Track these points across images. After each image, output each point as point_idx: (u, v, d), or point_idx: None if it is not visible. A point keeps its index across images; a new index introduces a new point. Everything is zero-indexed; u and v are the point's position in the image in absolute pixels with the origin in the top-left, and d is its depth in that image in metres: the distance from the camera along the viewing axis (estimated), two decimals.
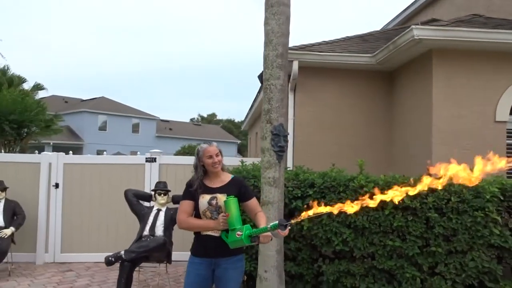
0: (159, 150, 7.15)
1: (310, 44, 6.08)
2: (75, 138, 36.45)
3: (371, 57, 5.72)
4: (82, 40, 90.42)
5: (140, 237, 4.84)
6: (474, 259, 3.48)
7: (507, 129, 5.08)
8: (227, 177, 2.95)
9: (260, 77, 4.37)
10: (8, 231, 5.72)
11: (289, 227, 2.52)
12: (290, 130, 6.15)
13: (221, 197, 2.82)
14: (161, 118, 44.59)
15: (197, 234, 2.89)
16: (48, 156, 6.80)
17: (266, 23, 4.17)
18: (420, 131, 5.18)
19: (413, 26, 4.59)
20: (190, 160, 6.94)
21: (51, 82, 75.32)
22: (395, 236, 3.76)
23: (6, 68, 23.41)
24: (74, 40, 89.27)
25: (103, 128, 38.43)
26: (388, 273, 3.84)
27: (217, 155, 2.86)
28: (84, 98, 42.46)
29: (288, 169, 5.31)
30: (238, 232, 2.60)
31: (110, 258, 4.31)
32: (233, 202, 2.69)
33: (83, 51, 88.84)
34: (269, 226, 2.51)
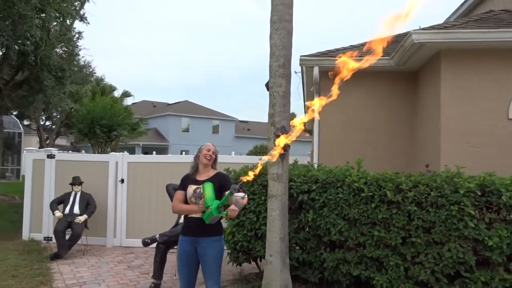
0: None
1: (334, 49, 6.45)
2: (161, 139, 39.62)
3: (389, 59, 5.93)
4: (170, 45, 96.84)
5: (176, 224, 5.69)
6: (450, 250, 3.67)
7: None
8: (213, 173, 3.62)
9: (267, 85, 4.92)
10: (82, 218, 6.98)
11: (247, 197, 3.12)
12: (315, 130, 6.61)
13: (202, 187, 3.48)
14: (240, 119, 46.42)
15: (185, 217, 3.59)
16: (115, 156, 8.02)
17: (270, 38, 4.72)
18: (432, 129, 5.30)
19: (412, 31, 4.79)
20: (236, 159, 7.74)
21: (142, 88, 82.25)
22: (381, 227, 4.08)
23: (100, 78, 26.56)
24: (164, 46, 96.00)
25: (186, 129, 41.16)
26: (377, 261, 4.17)
27: (213, 152, 3.58)
28: (170, 102, 45.89)
29: (314, 164, 5.80)
30: (210, 207, 3.23)
31: (146, 240, 5.21)
32: (207, 186, 3.35)
33: (171, 55, 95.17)
34: (227, 193, 3.10)
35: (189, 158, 7.81)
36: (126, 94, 24.59)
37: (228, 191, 3.09)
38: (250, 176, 3.03)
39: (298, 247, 4.92)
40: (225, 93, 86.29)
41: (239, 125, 45.73)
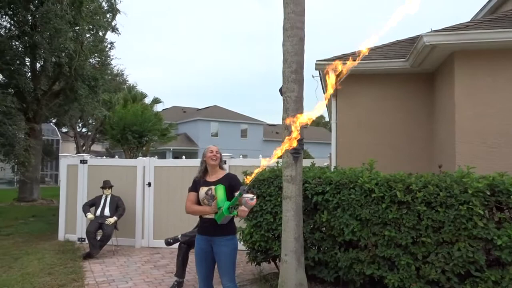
0: (228, 154, 8.24)
1: (349, 53, 6.53)
2: (191, 144, 40.40)
3: (404, 61, 5.97)
4: (198, 52, 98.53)
5: (197, 224, 5.93)
6: (460, 249, 3.71)
7: None
8: (222, 174, 3.83)
9: (281, 90, 5.09)
10: (112, 220, 7.36)
11: (256, 199, 3.32)
12: (333, 133, 6.71)
13: (214, 189, 3.69)
14: (268, 122, 46.63)
15: (200, 218, 3.81)
16: (142, 160, 8.39)
17: (283, 45, 4.89)
18: (449, 130, 5.30)
19: (423, 34, 4.83)
20: (257, 162, 7.95)
21: (173, 94, 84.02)
22: (392, 227, 4.15)
23: (131, 85, 27.48)
24: (191, 54, 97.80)
25: (215, 134, 41.75)
26: (390, 261, 4.25)
27: (217, 152, 3.80)
28: (199, 107, 46.71)
29: (333, 167, 5.93)
30: (221, 208, 3.43)
31: (169, 240, 5.48)
32: (219, 188, 3.55)
33: (198, 62, 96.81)
34: (236, 194, 3.28)
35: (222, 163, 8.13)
36: (156, 101, 25.35)
37: (238, 193, 3.28)
38: (251, 177, 3.24)
39: (314, 247, 5.04)
40: (253, 97, 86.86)
41: (267, 129, 45.94)
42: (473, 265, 3.71)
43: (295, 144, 3.62)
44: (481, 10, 11.95)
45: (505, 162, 4.74)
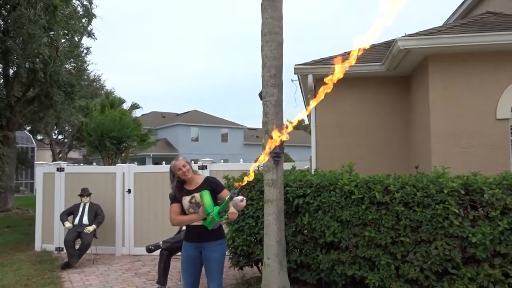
0: (209, 159, 8.23)
1: (327, 57, 6.64)
2: (171, 149, 40.05)
3: (381, 65, 6.11)
4: (177, 57, 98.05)
5: (179, 230, 5.90)
6: (437, 248, 3.81)
7: (511, 126, 5.12)
8: (200, 179, 3.81)
9: (260, 94, 5.13)
10: (91, 228, 7.23)
11: (245, 200, 3.34)
12: (312, 136, 6.79)
13: (198, 196, 3.67)
14: (249, 126, 46.71)
15: (187, 226, 3.79)
16: (121, 167, 8.29)
17: (261, 50, 4.93)
18: (424, 132, 5.45)
19: (397, 38, 4.97)
20: (238, 166, 7.94)
21: (152, 99, 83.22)
22: (371, 228, 4.23)
23: (109, 91, 27.10)
24: (170, 58, 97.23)
25: (195, 139, 41.54)
26: (370, 261, 4.32)
27: (184, 166, 3.71)
28: (179, 112, 46.42)
29: (313, 169, 5.99)
30: (211, 214, 3.43)
31: (150, 247, 5.42)
32: (205, 194, 3.54)
33: (178, 66, 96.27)
34: (227, 198, 3.31)
35: (194, 167, 8.11)
36: (134, 106, 24.98)
37: (228, 197, 3.29)
38: (245, 181, 3.26)
39: (296, 250, 5.08)
40: (234, 101, 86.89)
41: (248, 133, 45.99)
42: (450, 263, 3.81)
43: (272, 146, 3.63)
44: (453, 14, 12.34)
45: (478, 162, 4.90)
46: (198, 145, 40.64)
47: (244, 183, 3.27)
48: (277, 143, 3.65)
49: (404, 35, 5.16)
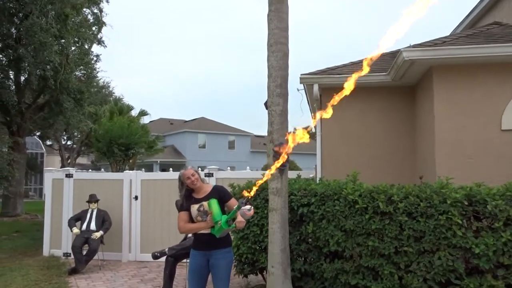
0: (215, 167, 8.30)
1: (333, 67, 6.71)
2: (179, 156, 40.23)
3: (386, 75, 6.15)
4: (187, 64, 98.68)
5: (185, 237, 5.96)
6: (440, 258, 3.82)
7: None
8: (209, 188, 3.88)
9: (266, 104, 5.20)
10: (98, 234, 7.32)
11: (253, 209, 3.44)
12: (318, 145, 6.83)
13: (206, 204, 3.74)
14: (256, 134, 46.78)
15: (195, 234, 3.86)
16: (129, 174, 8.39)
17: (268, 60, 5.01)
18: (429, 142, 5.47)
19: (402, 49, 5.02)
20: (244, 174, 7.99)
21: (160, 105, 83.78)
22: (375, 238, 4.25)
23: (117, 98, 27.38)
24: (179, 65, 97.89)
25: (202, 146, 41.69)
26: (374, 270, 4.33)
27: (193, 175, 3.79)
28: (187, 119, 46.67)
29: (318, 178, 6.03)
30: (219, 222, 3.50)
31: (156, 254, 5.48)
32: (213, 202, 3.61)
33: (186, 73, 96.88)
34: (235, 207, 3.38)
35: (201, 175, 8.18)
36: (142, 113, 25.19)
37: (236, 206, 3.37)
38: (253, 191, 3.38)
39: (300, 259, 5.10)
40: (241, 109, 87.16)
41: (255, 140, 46.04)
42: (453, 273, 3.82)
43: (283, 160, 3.75)
44: (461, 23, 12.36)
45: (483, 172, 4.90)
46: (205, 152, 40.77)
47: (252, 194, 3.36)
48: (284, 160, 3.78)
49: (409, 45, 5.21)
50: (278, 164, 3.50)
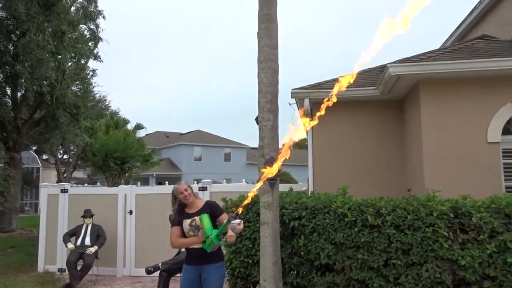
0: (209, 180, 8.36)
1: (324, 81, 6.84)
2: (175, 169, 40.20)
3: (375, 89, 6.29)
4: (182, 77, 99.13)
5: (178, 252, 6.00)
6: (428, 270, 3.89)
7: (502, 149, 5.24)
8: (201, 203, 3.97)
9: (257, 119, 5.30)
10: (93, 249, 7.34)
11: (243, 223, 3.51)
12: (309, 158, 6.92)
13: (198, 219, 3.81)
14: (251, 146, 46.87)
15: (187, 248, 3.92)
16: (124, 188, 8.44)
17: (258, 76, 5.12)
18: (417, 154, 5.58)
19: (388, 64, 5.15)
20: (238, 187, 8.06)
21: (156, 119, 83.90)
22: (364, 251, 4.32)
23: (113, 111, 27.49)
24: (174, 78, 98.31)
25: (198, 158, 41.71)
26: (364, 283, 4.38)
27: (186, 190, 3.88)
28: (182, 132, 46.76)
29: (310, 191, 6.11)
30: (210, 237, 3.57)
31: (149, 268, 5.52)
32: (204, 217, 3.69)
33: (182, 86, 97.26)
34: (225, 221, 3.45)
35: (195, 188, 8.25)
36: (138, 127, 25.27)
37: (226, 220, 3.44)
38: (242, 206, 3.52)
39: (292, 272, 5.15)
40: (237, 121, 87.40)
41: (251, 152, 46.05)
42: (441, 285, 3.88)
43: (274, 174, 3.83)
44: (450, 36, 12.60)
45: (471, 185, 4.99)
46: (201, 165, 40.78)
47: (240, 209, 3.45)
48: (272, 175, 3.88)
49: (395, 61, 5.35)
50: (261, 182, 3.59)
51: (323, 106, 3.71)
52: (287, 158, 3.86)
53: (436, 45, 13.77)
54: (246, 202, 3.44)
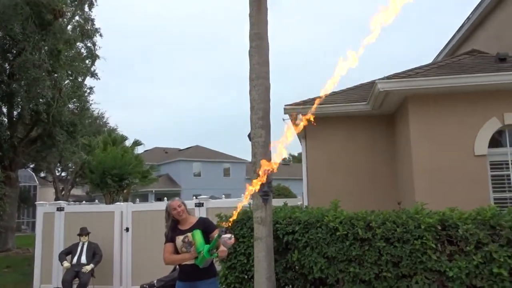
0: (206, 196, 8.41)
1: (315, 97, 6.95)
2: (174, 185, 40.13)
3: (366, 104, 6.41)
4: (181, 92, 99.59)
5: (174, 268, 6.03)
6: (417, 282, 3.94)
7: (490, 162, 5.34)
8: (194, 219, 4.03)
9: (249, 135, 5.39)
10: (89, 267, 7.34)
11: (234, 237, 3.55)
12: (304, 173, 7.00)
13: (191, 235, 3.87)
14: (250, 161, 46.81)
15: (180, 265, 3.97)
16: (120, 205, 8.48)
17: (249, 93, 5.23)
18: (407, 168, 5.68)
19: (377, 80, 5.29)
20: (234, 203, 8.11)
21: (155, 134, 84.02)
22: (356, 264, 4.38)
23: (112, 128, 27.59)
24: (173, 94, 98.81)
25: (197, 174, 41.67)
26: None
27: (179, 206, 3.95)
28: (181, 148, 46.83)
29: (304, 207, 6.17)
30: (202, 252, 3.62)
31: (144, 286, 5.55)
32: (196, 233, 3.74)
33: (181, 102, 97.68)
34: (215, 236, 3.50)
35: (190, 205, 8.28)
36: (136, 143, 25.34)
37: (216, 235, 3.50)
38: (230, 221, 3.58)
39: (287, 286, 5.17)
40: (236, 136, 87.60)
41: (250, 167, 45.97)
42: None
43: (257, 187, 3.87)
44: (442, 50, 12.85)
45: (460, 197, 5.07)
46: (200, 180, 40.71)
47: (230, 223, 3.51)
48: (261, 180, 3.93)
49: (383, 77, 5.48)
50: (246, 199, 3.65)
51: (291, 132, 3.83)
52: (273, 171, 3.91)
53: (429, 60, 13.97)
54: (233, 218, 3.51)
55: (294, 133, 4.11)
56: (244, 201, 3.76)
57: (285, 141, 3.66)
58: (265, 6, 5.30)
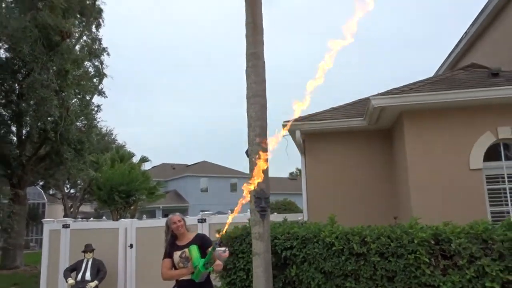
0: (210, 212, 8.51)
1: (315, 113, 7.09)
2: (181, 200, 40.21)
3: (363, 120, 6.50)
4: (188, 108, 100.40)
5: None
6: None
7: (486, 175, 5.38)
8: (192, 235, 4.13)
9: (247, 152, 5.51)
10: (93, 284, 7.41)
11: (228, 251, 3.66)
12: (303, 187, 7.08)
13: (188, 251, 3.96)
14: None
15: (177, 280, 4.06)
16: (124, 222, 8.59)
17: (247, 111, 5.37)
18: (404, 183, 5.73)
19: (371, 97, 5.39)
20: (237, 218, 8.16)
21: (163, 151, 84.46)
22: (352, 279, 4.42)
23: (120, 145, 27.89)
24: (181, 110, 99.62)
25: (205, 189, 41.75)
26: None
27: (179, 221, 4.07)
28: (189, 163, 47.01)
29: (304, 221, 6.22)
30: (198, 266, 3.70)
31: None
32: (193, 248, 3.84)
33: (189, 117, 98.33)
34: (209, 249, 3.58)
35: (192, 220, 8.38)
36: (143, 160, 25.56)
37: (211, 248, 3.58)
38: (222, 233, 3.76)
39: None
40: (243, 150, 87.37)
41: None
42: None
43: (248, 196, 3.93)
44: (443, 63, 12.94)
45: (456, 211, 5.10)
46: (207, 196, 40.75)
47: (224, 230, 3.61)
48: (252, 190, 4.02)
49: (377, 93, 5.59)
50: (236, 211, 3.74)
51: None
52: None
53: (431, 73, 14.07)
54: (225, 229, 3.62)
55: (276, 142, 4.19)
56: (235, 213, 3.84)
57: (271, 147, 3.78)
58: (261, 27, 5.47)
